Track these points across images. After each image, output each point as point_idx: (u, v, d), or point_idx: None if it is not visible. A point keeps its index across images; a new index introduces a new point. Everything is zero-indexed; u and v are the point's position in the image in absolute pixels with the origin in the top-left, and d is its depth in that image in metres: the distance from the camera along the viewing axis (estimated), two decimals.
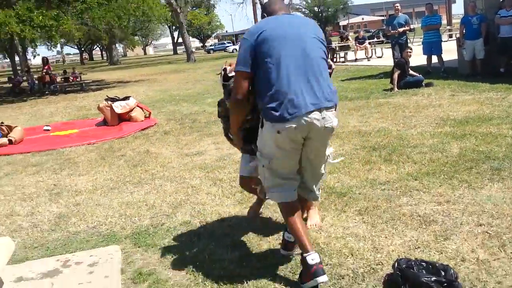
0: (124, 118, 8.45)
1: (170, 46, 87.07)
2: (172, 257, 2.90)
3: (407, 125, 5.92)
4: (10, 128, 7.60)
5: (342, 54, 20.16)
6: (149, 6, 21.08)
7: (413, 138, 5.22)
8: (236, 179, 3.99)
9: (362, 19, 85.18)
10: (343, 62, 19.08)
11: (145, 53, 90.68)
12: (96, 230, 3.52)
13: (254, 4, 29.43)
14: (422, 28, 11.58)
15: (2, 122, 7.78)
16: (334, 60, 19.14)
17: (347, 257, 2.62)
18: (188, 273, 2.67)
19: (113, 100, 8.70)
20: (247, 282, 2.46)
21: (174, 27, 65.08)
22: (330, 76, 10.06)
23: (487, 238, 2.67)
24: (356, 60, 18.69)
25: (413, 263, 2.24)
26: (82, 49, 68.80)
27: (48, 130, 8.51)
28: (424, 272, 2.17)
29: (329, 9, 65.85)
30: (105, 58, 70.66)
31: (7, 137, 7.37)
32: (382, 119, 6.46)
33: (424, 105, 7.17)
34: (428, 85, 9.00)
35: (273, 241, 2.95)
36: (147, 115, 8.77)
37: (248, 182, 3.11)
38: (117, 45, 57.03)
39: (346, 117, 6.85)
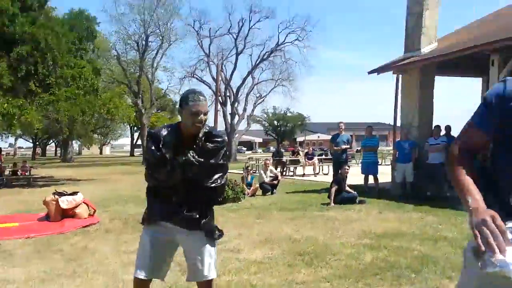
0: (68, 214, 8.54)
1: (128, 148, 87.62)
2: None
3: (333, 235, 6.46)
4: None
5: (292, 168, 21.27)
6: (115, 105, 21.86)
7: (335, 246, 5.72)
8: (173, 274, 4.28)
9: (318, 137, 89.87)
10: (291, 175, 20.08)
11: (101, 153, 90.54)
12: None
13: (216, 112, 31.11)
14: (362, 148, 12.69)
15: None
16: (284, 173, 20.15)
17: None
18: None
19: (61, 194, 8.86)
20: None
21: (135, 128, 66.42)
22: (276, 187, 10.72)
23: None
24: (304, 175, 19.70)
25: None
26: (37, 143, 68.01)
27: None
28: None
29: (288, 125, 69.68)
30: (58, 154, 70.02)
31: None
32: (313, 229, 6.97)
33: (352, 219, 7.80)
34: (361, 202, 9.76)
35: None
36: (92, 213, 8.91)
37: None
38: (73, 142, 57.08)
39: (282, 225, 7.34)
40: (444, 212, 8.12)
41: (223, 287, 4.26)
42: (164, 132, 2.75)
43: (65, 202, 8.59)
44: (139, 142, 60.39)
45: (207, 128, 2.77)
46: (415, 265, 4.76)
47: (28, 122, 19.26)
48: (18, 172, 19.79)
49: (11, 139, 74.38)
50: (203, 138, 2.74)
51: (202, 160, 2.71)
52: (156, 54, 38.27)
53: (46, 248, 6.19)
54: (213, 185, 2.74)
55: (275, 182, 12.78)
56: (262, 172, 12.99)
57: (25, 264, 5.36)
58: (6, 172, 19.10)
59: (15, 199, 12.86)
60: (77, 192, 9.23)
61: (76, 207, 8.69)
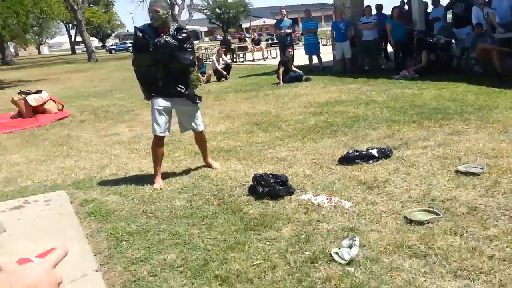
0: (38, 110, 9.13)
1: (67, 46, 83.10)
2: (108, 191, 4.12)
3: (284, 108, 7.55)
4: None
5: (241, 54, 21.88)
6: (47, 3, 20.88)
7: (286, 116, 6.83)
8: (150, 146, 5.31)
9: (264, 22, 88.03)
10: (242, 61, 20.78)
11: (39, 53, 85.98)
12: (42, 184, 4.58)
13: None
14: (302, 31, 13.44)
15: None
16: (234, 60, 20.80)
17: (227, 180, 4.08)
18: (121, 197, 3.92)
19: (26, 93, 9.35)
20: (155, 197, 3.79)
21: (70, 25, 62.73)
22: (228, 73, 11.76)
23: (314, 164, 4.29)
24: (253, 60, 20.44)
25: (264, 175, 3.72)
26: None
27: None
28: (270, 177, 3.66)
29: (230, 12, 67.96)
30: None
31: None
32: (266, 105, 8.03)
33: (300, 94, 8.89)
34: (307, 79, 10.82)
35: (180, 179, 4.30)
36: (60, 108, 9.53)
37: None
38: (8, 43, 53.73)
39: (239, 104, 8.34)
40: (377, 81, 9.34)
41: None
42: (146, 27, 4.01)
43: (33, 100, 9.13)
44: (79, 39, 57.63)
45: (175, 24, 4.08)
46: (349, 122, 5.96)
47: None
48: None
49: None
50: (175, 31, 3.98)
51: (177, 42, 3.95)
52: None
53: (33, 139, 6.95)
54: (186, 62, 4.04)
55: (227, 69, 13.57)
56: (214, 59, 13.60)
57: (20, 151, 6.16)
58: None
59: None
60: (41, 90, 9.73)
61: (44, 103, 9.27)
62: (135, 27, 4.05)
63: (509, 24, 9.76)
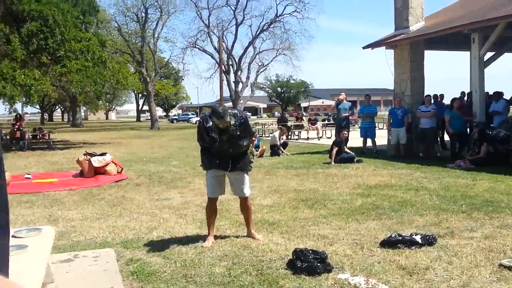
0: (99, 171, 9.73)
1: (133, 113, 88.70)
2: (153, 252, 4.28)
3: (332, 187, 7.61)
4: None
5: (296, 132, 22.39)
6: (124, 75, 22.77)
7: (333, 195, 6.87)
8: (197, 213, 5.48)
9: (322, 102, 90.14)
10: (296, 139, 21.21)
11: (107, 118, 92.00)
12: (93, 240, 4.83)
13: (221, 81, 32.13)
14: (360, 115, 13.74)
15: None
16: (289, 137, 21.29)
17: (268, 252, 4.14)
18: (164, 259, 4.06)
19: (91, 155, 10.03)
20: (196, 262, 3.89)
21: (140, 95, 67.38)
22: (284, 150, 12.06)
23: (355, 244, 4.27)
24: (308, 138, 20.82)
25: (304, 250, 3.76)
26: (44, 109, 69.31)
27: (29, 178, 9.64)
28: (310, 252, 3.70)
29: (291, 91, 70.27)
30: (65, 119, 71.43)
31: None
32: (315, 183, 8.12)
33: (349, 175, 8.93)
34: (358, 161, 10.87)
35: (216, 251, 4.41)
36: (120, 170, 10.09)
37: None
38: (81, 108, 58.30)
39: (288, 180, 8.49)
40: (431, 169, 9.23)
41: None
42: (210, 123, 4.41)
43: (96, 161, 9.77)
44: (145, 107, 61.63)
45: (234, 110, 4.55)
46: (396, 207, 5.91)
47: (44, 93, 20.23)
48: (37, 136, 20.98)
49: (17, 105, 75.22)
50: (236, 123, 4.44)
51: (238, 135, 4.45)
52: (156, 25, 38.94)
53: (91, 197, 7.38)
54: (243, 148, 4.63)
55: (284, 146, 13.98)
56: (277, 135, 13.98)
57: (77, 208, 6.55)
58: (26, 136, 20.24)
59: (43, 160, 14.05)
60: (106, 153, 10.41)
61: (106, 165, 9.87)
62: (203, 117, 4.55)
63: None
